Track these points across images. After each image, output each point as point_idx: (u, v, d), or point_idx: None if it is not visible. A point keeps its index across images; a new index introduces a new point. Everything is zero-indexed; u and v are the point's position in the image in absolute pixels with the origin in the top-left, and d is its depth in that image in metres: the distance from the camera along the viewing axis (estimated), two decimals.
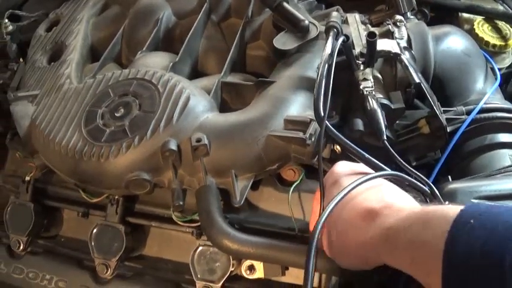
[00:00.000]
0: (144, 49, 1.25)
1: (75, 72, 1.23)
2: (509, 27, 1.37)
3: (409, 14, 1.33)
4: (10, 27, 1.39)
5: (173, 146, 0.98)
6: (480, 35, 1.36)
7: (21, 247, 1.17)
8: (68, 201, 1.20)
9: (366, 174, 0.87)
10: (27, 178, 1.19)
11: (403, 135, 1.11)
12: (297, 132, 0.98)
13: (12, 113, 1.17)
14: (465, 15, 1.45)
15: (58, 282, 1.15)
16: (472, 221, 0.61)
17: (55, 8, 1.48)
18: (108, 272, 1.09)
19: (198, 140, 0.98)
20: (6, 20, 1.39)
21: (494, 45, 1.33)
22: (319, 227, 0.79)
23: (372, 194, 0.83)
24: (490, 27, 1.38)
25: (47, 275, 1.16)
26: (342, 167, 0.91)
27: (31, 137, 1.14)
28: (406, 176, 0.89)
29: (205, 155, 0.99)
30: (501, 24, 1.39)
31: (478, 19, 1.41)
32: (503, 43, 1.34)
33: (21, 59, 1.37)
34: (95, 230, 1.11)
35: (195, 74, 1.25)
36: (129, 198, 1.12)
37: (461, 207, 0.64)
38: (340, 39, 1.04)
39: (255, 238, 0.95)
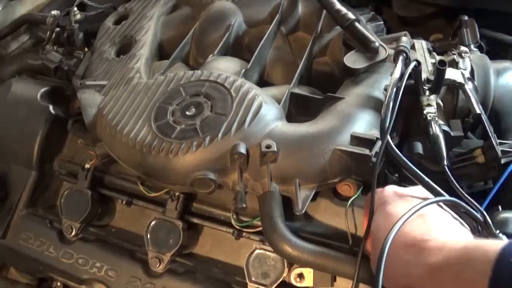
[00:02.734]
0: (215, 53, 1.31)
1: (144, 67, 1.29)
2: None
3: (472, 46, 1.38)
4: (78, 16, 1.45)
5: (243, 149, 1.03)
6: None
7: (73, 233, 1.22)
8: (124, 193, 1.25)
9: (414, 198, 0.93)
10: (87, 166, 1.24)
11: (457, 163, 1.15)
12: (363, 149, 1.03)
13: (80, 100, 1.21)
14: None
15: (108, 271, 1.19)
16: None
17: (123, 2, 1.55)
18: (161, 266, 1.14)
19: (268, 147, 1.02)
20: (75, 8, 1.45)
21: None
22: (387, 246, 0.83)
23: (418, 224, 0.88)
24: None
25: (97, 262, 1.21)
26: (390, 190, 0.97)
27: (96, 125, 1.19)
28: (462, 203, 0.95)
29: (272, 161, 1.03)
30: None
31: None
32: None
33: (85, 48, 1.42)
34: (152, 224, 1.16)
35: (261, 82, 1.31)
36: (188, 196, 1.18)
37: (502, 244, 0.69)
38: (412, 64, 1.10)
39: (315, 247, 1.01)
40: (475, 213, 0.95)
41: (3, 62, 1.60)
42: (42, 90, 1.38)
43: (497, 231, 0.93)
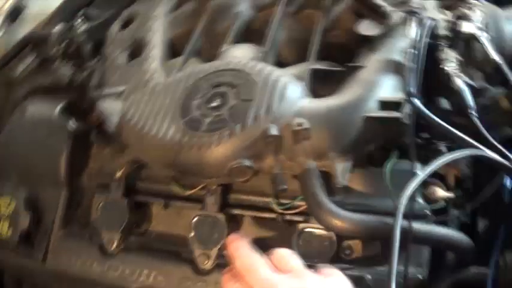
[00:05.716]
0: (228, 42, 1.33)
1: (159, 68, 1.31)
2: None
3: None
4: (83, 27, 1.47)
5: (275, 131, 1.05)
6: None
7: (115, 244, 1.23)
8: (159, 196, 1.26)
9: None
10: (119, 174, 1.25)
11: (482, 114, 1.17)
12: (393, 112, 1.06)
13: (101, 110, 1.23)
14: None
15: (157, 276, 1.20)
16: None
17: (124, 7, 1.58)
18: (209, 262, 1.15)
19: (300, 124, 1.04)
20: (80, 20, 1.47)
21: None
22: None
23: None
24: None
25: (144, 270, 1.21)
26: None
27: (122, 132, 1.21)
28: (492, 154, 0.98)
29: (306, 138, 1.05)
30: None
31: None
32: None
33: (95, 58, 1.44)
34: (194, 220, 1.17)
35: (278, 64, 1.33)
36: (224, 189, 1.19)
37: None
38: (429, 22, 1.13)
39: (364, 216, 1.03)
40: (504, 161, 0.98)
41: (13, 85, 1.62)
42: (59, 106, 1.40)
43: None
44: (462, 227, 1.09)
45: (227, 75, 1.18)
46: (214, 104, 1.14)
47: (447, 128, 1.02)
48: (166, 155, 1.13)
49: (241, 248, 1.04)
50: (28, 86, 1.57)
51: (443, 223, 1.07)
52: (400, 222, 0.88)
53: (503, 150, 1.00)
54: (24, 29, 1.66)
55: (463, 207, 1.13)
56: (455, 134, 1.01)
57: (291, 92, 1.12)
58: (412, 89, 1.05)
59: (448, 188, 1.11)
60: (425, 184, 1.10)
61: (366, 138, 1.09)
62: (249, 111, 1.09)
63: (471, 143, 0.99)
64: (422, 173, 0.93)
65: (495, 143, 1.02)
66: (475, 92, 1.13)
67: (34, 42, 1.63)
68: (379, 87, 1.12)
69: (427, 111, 1.03)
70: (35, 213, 1.32)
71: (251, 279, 0.95)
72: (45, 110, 1.42)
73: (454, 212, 1.12)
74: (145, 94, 1.22)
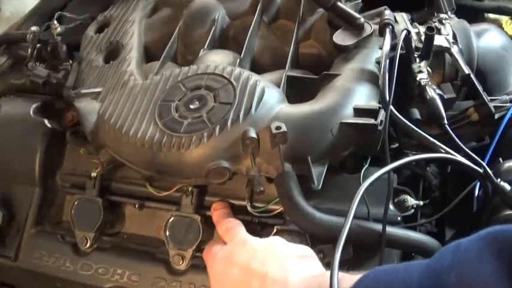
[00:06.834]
0: (205, 47, 1.37)
1: (137, 70, 1.34)
2: None
3: (449, 13, 1.46)
4: (59, 29, 1.48)
5: (253, 134, 1.08)
6: (510, 32, 1.51)
7: (89, 243, 1.25)
8: (134, 197, 1.28)
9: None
10: (94, 174, 1.27)
11: (452, 125, 1.22)
12: (368, 119, 1.11)
13: (78, 109, 1.24)
14: (492, 15, 1.60)
15: (131, 276, 1.22)
16: None
17: (99, 11, 1.60)
18: (184, 263, 1.18)
19: (278, 128, 1.07)
20: (56, 22, 1.48)
21: None
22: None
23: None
24: None
25: (118, 269, 1.23)
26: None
27: (99, 132, 1.22)
28: (461, 158, 1.05)
29: (283, 142, 1.08)
30: None
31: (505, 19, 1.57)
32: None
33: (69, 60, 1.45)
34: (170, 221, 1.19)
35: (252, 71, 1.36)
36: (200, 191, 1.22)
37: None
38: (404, 33, 1.18)
39: (340, 219, 1.05)
40: (476, 167, 1.05)
41: None
42: (34, 106, 1.41)
43: (499, 180, 1.04)
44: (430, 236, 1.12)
45: (205, 78, 1.20)
46: (193, 106, 1.17)
47: (423, 135, 1.08)
48: (144, 154, 1.15)
49: (223, 215, 1.14)
50: (0, 86, 1.57)
51: (413, 229, 1.11)
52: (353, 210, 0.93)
53: (476, 157, 1.06)
54: None
55: (431, 216, 1.19)
56: (431, 140, 1.07)
57: (269, 97, 1.15)
58: (387, 97, 1.09)
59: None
60: (397, 193, 1.15)
61: (341, 143, 1.13)
62: (228, 114, 1.12)
63: (446, 150, 1.04)
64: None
65: (468, 150, 1.07)
66: (445, 103, 1.18)
67: (8, 42, 1.63)
68: (354, 95, 1.16)
69: (403, 119, 1.08)
70: (7, 211, 1.32)
71: (229, 238, 1.07)
72: (20, 108, 1.43)
73: (422, 220, 1.18)
74: (124, 95, 1.24)
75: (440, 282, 0.68)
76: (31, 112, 1.39)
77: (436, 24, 1.33)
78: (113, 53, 1.43)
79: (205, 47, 1.37)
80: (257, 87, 1.15)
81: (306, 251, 1.01)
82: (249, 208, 1.17)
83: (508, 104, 1.24)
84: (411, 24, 1.35)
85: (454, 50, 1.25)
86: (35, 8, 1.74)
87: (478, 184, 1.15)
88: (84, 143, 1.28)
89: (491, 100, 1.23)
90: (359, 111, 1.13)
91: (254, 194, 1.15)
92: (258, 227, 1.19)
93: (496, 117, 1.20)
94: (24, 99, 1.48)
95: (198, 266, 1.19)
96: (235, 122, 1.11)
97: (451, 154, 1.05)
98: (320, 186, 1.09)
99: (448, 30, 1.32)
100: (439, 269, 0.70)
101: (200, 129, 1.12)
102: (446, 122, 1.14)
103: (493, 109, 1.19)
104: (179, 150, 1.11)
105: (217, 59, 1.31)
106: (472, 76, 1.21)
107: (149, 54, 1.47)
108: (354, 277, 0.79)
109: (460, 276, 0.66)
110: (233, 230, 1.09)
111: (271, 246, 1.00)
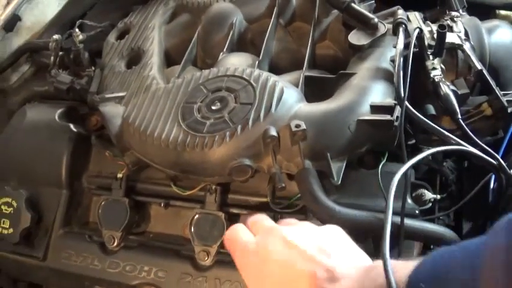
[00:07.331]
0: (224, 51, 1.41)
1: (159, 74, 1.39)
2: None
3: (461, 11, 1.49)
4: (81, 36, 1.53)
5: (274, 132, 1.12)
6: None
7: (116, 242, 1.30)
8: (158, 197, 1.33)
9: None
10: (120, 175, 1.31)
11: (466, 120, 1.26)
12: (385, 115, 1.15)
13: (103, 113, 1.29)
14: (503, 12, 1.63)
15: (158, 272, 1.26)
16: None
17: (119, 18, 1.66)
18: (209, 259, 1.22)
19: (298, 126, 1.10)
20: (77, 30, 1.53)
21: None
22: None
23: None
24: None
25: (145, 266, 1.27)
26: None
27: (123, 135, 1.27)
28: (475, 150, 1.08)
29: (303, 139, 1.11)
30: None
31: None
32: None
33: (92, 67, 1.50)
34: (195, 218, 1.24)
35: (271, 72, 1.40)
36: (223, 189, 1.26)
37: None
38: (416, 31, 1.22)
39: (360, 212, 1.08)
40: (491, 159, 1.08)
41: (7, 94, 1.68)
42: (59, 111, 1.47)
43: None
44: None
45: (226, 80, 1.25)
46: (214, 107, 1.21)
47: (437, 129, 1.12)
48: (168, 155, 1.19)
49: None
50: (24, 93, 1.63)
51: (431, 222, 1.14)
52: (391, 203, 0.91)
53: (490, 150, 1.10)
54: (19, 38, 1.71)
55: (448, 209, 1.22)
56: (445, 134, 1.11)
57: (288, 96, 1.19)
58: (402, 94, 1.13)
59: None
60: (414, 187, 1.19)
61: (359, 140, 1.16)
62: (249, 114, 1.16)
63: (461, 143, 1.08)
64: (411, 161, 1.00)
65: (482, 144, 1.11)
66: (459, 98, 1.22)
67: (31, 51, 1.68)
68: (370, 92, 1.20)
69: (417, 114, 1.12)
70: (36, 213, 1.37)
71: (231, 246, 0.94)
72: (45, 114, 1.48)
73: (439, 213, 1.20)
74: (147, 99, 1.29)
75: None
76: (56, 117, 1.45)
77: (448, 22, 1.36)
78: (135, 58, 1.48)
79: (224, 50, 1.42)
80: (276, 88, 1.19)
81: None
82: (271, 204, 1.21)
83: None
84: (424, 22, 1.38)
85: (466, 46, 1.28)
86: (55, 18, 1.78)
87: (493, 177, 1.18)
88: (109, 145, 1.33)
89: (504, 95, 1.25)
90: (375, 108, 1.17)
91: (276, 191, 1.20)
92: None
93: (509, 111, 1.23)
94: (49, 105, 1.53)
95: (223, 261, 1.23)
96: (256, 121, 1.15)
97: (466, 147, 1.09)
98: (339, 182, 1.12)
99: (460, 28, 1.35)
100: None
101: (222, 129, 1.16)
102: (460, 116, 1.18)
103: (505, 103, 1.22)
104: (202, 149, 1.15)
105: (236, 62, 1.36)
106: (485, 71, 1.25)
107: (169, 59, 1.52)
108: (407, 264, 0.73)
109: None
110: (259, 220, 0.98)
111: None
